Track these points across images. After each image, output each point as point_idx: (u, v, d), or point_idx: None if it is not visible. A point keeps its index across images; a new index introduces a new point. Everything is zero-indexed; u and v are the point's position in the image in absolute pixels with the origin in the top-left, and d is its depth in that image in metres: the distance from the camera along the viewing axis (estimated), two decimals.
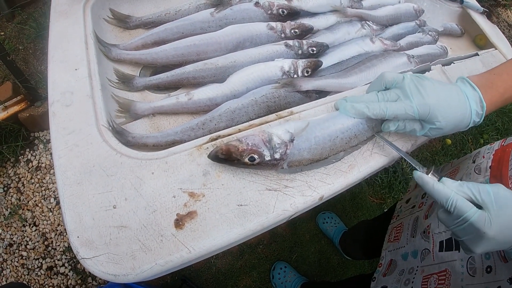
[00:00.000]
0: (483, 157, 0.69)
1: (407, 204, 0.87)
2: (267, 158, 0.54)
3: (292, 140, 0.56)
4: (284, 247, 1.54)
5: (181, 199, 0.53)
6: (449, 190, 0.50)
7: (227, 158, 0.53)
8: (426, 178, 0.53)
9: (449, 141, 1.96)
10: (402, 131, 0.60)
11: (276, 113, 0.63)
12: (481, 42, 1.12)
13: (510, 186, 0.57)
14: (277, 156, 0.54)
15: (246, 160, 0.53)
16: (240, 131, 0.59)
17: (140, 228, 0.51)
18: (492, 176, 0.63)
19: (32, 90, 1.48)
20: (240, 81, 0.69)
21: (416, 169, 0.55)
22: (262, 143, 0.54)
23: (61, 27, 0.71)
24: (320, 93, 0.72)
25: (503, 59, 0.99)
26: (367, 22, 0.93)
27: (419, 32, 1.03)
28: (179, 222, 0.52)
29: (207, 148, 0.57)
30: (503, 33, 1.11)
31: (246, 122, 0.62)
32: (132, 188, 0.53)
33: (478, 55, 0.94)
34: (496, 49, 1.01)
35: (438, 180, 0.52)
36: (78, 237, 0.50)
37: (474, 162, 0.71)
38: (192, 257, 0.50)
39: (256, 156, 0.53)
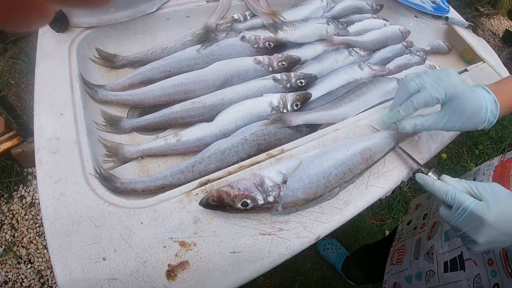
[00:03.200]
0: (483, 174, 0.68)
1: (409, 226, 0.86)
2: (261, 202, 0.53)
3: (285, 181, 0.55)
4: (286, 277, 1.50)
5: (172, 249, 0.51)
6: (447, 185, 0.54)
7: (219, 204, 0.51)
8: (426, 178, 0.57)
9: (444, 156, 1.95)
10: (420, 129, 0.62)
11: (266, 152, 0.61)
12: (468, 57, 1.12)
13: None
14: (270, 199, 0.53)
15: (239, 205, 0.51)
16: (230, 173, 0.58)
17: (131, 280, 0.49)
18: None
19: (24, 125, 1.47)
20: (228, 119, 0.68)
21: (419, 172, 0.60)
22: (254, 187, 0.53)
23: (47, 69, 0.70)
24: (311, 126, 0.71)
25: (492, 71, 0.99)
26: (354, 48, 0.93)
27: (406, 53, 1.04)
28: (171, 273, 0.50)
29: (197, 194, 0.55)
30: (489, 42, 1.12)
31: (236, 162, 0.60)
32: (121, 239, 0.52)
33: (468, 71, 0.94)
34: (484, 62, 1.01)
35: (438, 179, 0.57)
36: None
37: (474, 179, 0.70)
38: None
39: (249, 201, 0.52)
